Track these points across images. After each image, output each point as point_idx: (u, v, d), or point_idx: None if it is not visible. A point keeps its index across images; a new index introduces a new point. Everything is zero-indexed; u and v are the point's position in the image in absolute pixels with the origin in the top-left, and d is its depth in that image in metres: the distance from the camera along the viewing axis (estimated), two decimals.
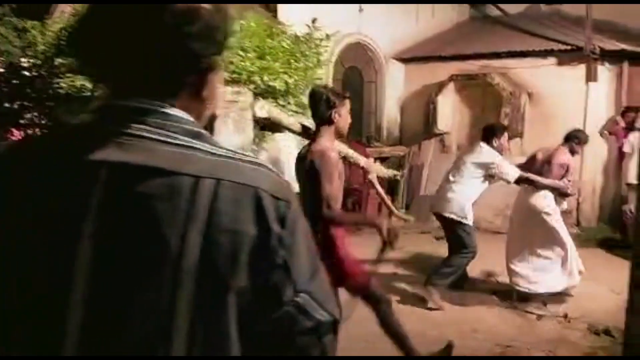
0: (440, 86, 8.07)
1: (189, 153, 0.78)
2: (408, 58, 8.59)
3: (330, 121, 2.67)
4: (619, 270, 5.65)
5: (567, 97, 7.08)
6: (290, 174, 2.88)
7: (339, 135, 2.82)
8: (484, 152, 4.55)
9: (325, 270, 0.91)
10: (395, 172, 7.03)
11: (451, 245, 4.68)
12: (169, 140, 0.79)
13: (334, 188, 2.61)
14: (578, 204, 7.16)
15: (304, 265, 0.85)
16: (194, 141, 0.80)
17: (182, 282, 0.74)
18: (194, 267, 0.75)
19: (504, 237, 5.01)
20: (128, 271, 0.75)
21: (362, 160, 5.43)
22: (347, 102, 2.74)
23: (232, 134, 3.40)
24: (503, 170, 4.46)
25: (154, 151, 0.77)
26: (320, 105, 2.66)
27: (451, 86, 8.06)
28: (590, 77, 6.88)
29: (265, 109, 3.74)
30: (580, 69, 6.97)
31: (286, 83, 4.05)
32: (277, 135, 4.87)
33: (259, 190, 0.80)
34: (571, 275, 4.60)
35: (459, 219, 4.51)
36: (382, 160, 8.42)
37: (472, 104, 8.07)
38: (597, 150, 7.05)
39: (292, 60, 4.34)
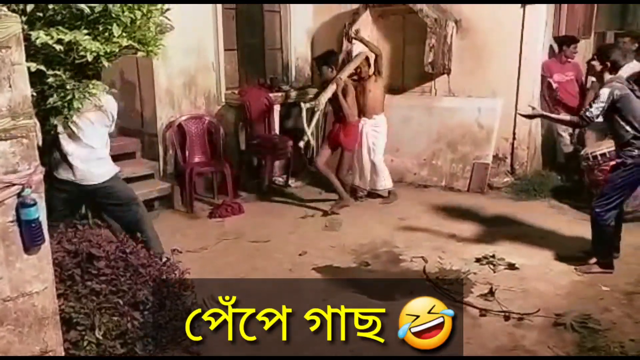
0: (354, 15, 6.76)
1: None
2: None
3: None
4: (566, 228, 4.78)
5: (501, 25, 6.01)
6: None
7: None
8: None
9: None
10: None
11: None
12: None
13: None
14: (513, 148, 6.25)
15: None
16: None
17: None
18: None
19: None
20: None
21: None
22: None
23: None
24: None
25: None
26: None
27: (367, 15, 6.77)
28: None
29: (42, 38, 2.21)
30: None
31: None
32: None
33: None
34: None
35: None
36: (291, 106, 7.14)
37: (391, 36, 6.85)
38: (534, 84, 6.07)
39: None
